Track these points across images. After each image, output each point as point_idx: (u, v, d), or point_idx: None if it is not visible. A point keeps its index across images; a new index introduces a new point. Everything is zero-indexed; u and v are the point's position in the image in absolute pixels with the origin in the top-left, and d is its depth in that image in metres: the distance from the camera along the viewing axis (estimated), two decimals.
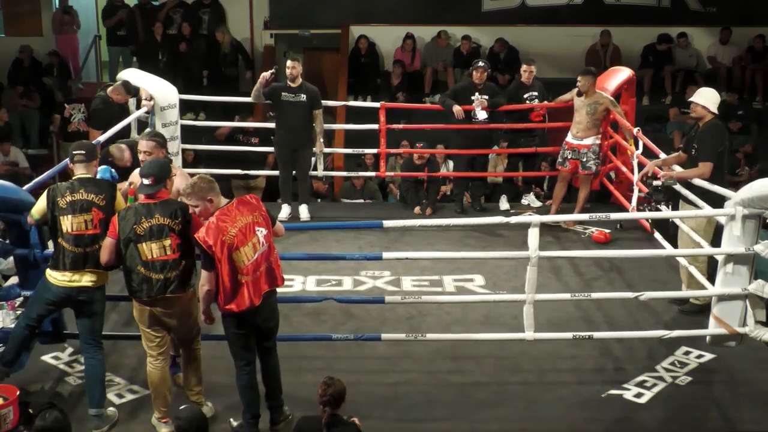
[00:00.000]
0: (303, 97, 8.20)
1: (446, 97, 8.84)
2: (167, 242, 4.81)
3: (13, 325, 5.56)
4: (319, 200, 9.85)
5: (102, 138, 7.10)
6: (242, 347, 4.93)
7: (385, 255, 6.05)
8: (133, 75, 8.72)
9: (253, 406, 4.99)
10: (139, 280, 4.83)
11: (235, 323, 4.86)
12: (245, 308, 4.75)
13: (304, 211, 8.58)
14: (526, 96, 8.97)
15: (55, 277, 4.98)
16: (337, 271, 7.30)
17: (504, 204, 9.17)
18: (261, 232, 4.79)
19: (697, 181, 6.22)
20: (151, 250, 4.81)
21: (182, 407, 4.61)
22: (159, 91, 8.51)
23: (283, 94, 8.24)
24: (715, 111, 6.39)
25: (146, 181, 4.88)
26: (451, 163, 9.82)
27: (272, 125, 8.71)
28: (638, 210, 7.08)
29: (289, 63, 8.28)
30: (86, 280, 4.98)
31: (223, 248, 4.64)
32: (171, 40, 12.96)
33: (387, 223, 5.93)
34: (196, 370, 5.18)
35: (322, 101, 8.52)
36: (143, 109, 8.20)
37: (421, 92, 12.85)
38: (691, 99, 6.50)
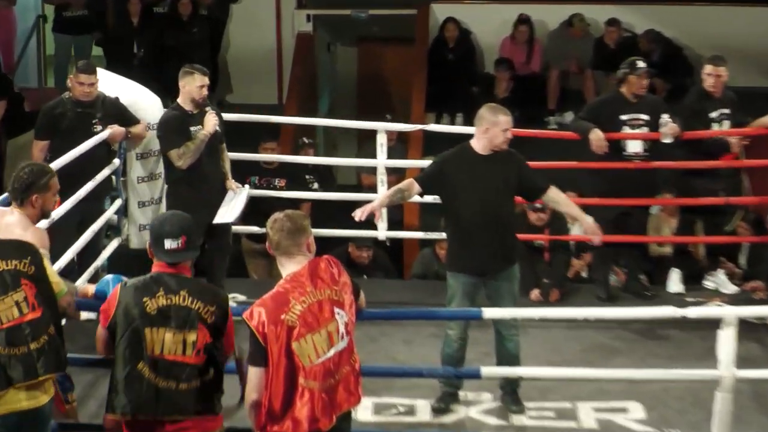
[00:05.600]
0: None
1: (581, 118, 8.89)
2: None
3: None
4: (365, 276, 9.76)
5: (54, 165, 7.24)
6: None
7: (484, 371, 6.27)
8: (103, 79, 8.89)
9: None
10: None
11: None
12: None
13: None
14: (714, 115, 8.83)
15: None
16: (406, 391, 7.23)
17: (675, 285, 9.09)
18: (342, 317, 4.80)
19: None
20: None
21: None
22: (136, 103, 8.84)
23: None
24: None
25: (174, 244, 5.04)
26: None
27: (309, 159, 9.65)
28: None
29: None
30: None
31: (281, 332, 4.63)
32: (155, 24, 13.47)
33: (488, 312, 6.17)
34: None
35: (391, 122, 8.26)
36: (107, 132, 8.46)
37: (542, 108, 12.90)
38: None
